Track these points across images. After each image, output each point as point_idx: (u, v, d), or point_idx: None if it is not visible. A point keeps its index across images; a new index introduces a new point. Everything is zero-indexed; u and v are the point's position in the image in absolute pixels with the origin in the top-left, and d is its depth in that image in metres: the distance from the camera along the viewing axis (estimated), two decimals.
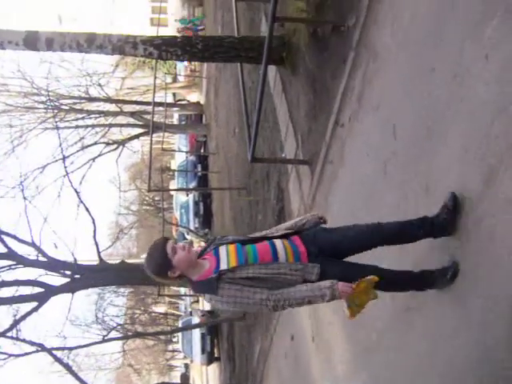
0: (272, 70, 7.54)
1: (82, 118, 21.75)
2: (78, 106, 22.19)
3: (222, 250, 2.91)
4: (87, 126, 21.50)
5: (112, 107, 23.13)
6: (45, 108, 20.23)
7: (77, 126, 21.14)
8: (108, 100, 22.94)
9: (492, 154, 2.71)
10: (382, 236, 3.03)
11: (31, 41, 6.28)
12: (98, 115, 22.24)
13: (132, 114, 21.45)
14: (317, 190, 5.90)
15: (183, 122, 25.07)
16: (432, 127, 3.39)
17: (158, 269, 2.81)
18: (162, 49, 6.33)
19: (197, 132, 21.53)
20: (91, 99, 22.57)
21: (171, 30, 30.04)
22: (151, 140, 14.28)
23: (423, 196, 3.49)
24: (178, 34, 25.27)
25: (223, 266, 2.80)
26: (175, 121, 28.59)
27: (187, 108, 23.55)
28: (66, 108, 21.19)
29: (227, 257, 2.85)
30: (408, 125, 3.77)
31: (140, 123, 21.34)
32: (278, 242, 2.95)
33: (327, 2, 5.02)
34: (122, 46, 6.39)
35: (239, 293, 2.73)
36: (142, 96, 27.26)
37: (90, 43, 6.38)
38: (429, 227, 3.00)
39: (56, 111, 20.19)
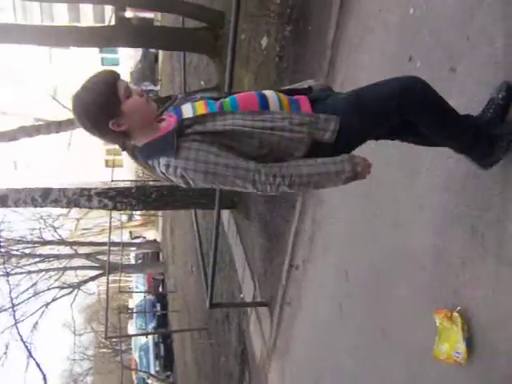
0: (226, 211, 7.78)
1: (35, 263, 21.32)
2: (31, 250, 21.85)
3: (187, 106, 1.97)
4: (41, 271, 21.02)
5: (66, 250, 22.87)
6: None
7: (29, 272, 20.62)
8: (62, 242, 22.74)
9: (437, 299, 2.82)
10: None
11: None
12: (51, 259, 21.88)
13: (87, 256, 21.24)
14: (277, 333, 5.84)
15: (140, 261, 24.86)
16: (382, 271, 3.52)
17: (98, 108, 1.78)
18: (116, 200, 6.50)
19: (154, 271, 21.30)
20: (45, 243, 22.29)
21: (126, 170, 30.85)
22: (107, 282, 14.00)
23: (379, 339, 3.51)
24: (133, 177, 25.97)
25: (188, 116, 1.90)
26: (132, 259, 28.32)
27: (143, 246, 23.56)
28: (18, 253, 20.79)
29: (194, 110, 1.93)
30: (359, 268, 3.90)
31: (96, 265, 21.06)
32: (268, 91, 2.01)
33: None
34: (77, 199, 6.53)
35: (213, 157, 1.78)
36: (97, 236, 27.19)
37: (44, 198, 6.49)
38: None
39: (6, 258, 19.76)
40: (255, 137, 1.83)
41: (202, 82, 9.44)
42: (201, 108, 1.92)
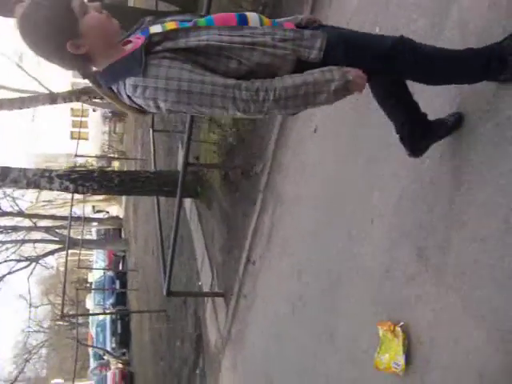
0: (189, 199, 7.81)
1: None
2: None
3: (155, 26, 1.75)
4: None
5: (26, 222, 22.48)
6: None
7: None
8: (21, 214, 22.31)
9: (382, 311, 2.95)
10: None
11: None
12: (9, 231, 21.47)
13: (47, 230, 20.92)
14: (232, 323, 5.95)
15: (102, 237, 24.64)
16: (333, 277, 3.64)
17: (51, 27, 1.54)
18: (78, 183, 6.43)
19: (115, 248, 21.17)
20: (3, 214, 21.85)
21: (92, 143, 30.36)
22: (66, 258, 13.85)
23: (327, 342, 3.64)
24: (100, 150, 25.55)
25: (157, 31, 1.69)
26: (93, 234, 28.04)
27: (106, 222, 23.34)
28: None
29: (163, 29, 1.72)
30: (312, 271, 4.01)
31: (55, 239, 20.78)
32: (250, 13, 1.82)
33: (237, 149, 5.42)
34: (38, 180, 6.44)
35: (187, 73, 1.57)
36: (59, 209, 26.76)
37: (3, 177, 6.38)
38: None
39: None
40: (233, 53, 1.63)
41: None
42: (171, 26, 1.72)
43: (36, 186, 6.53)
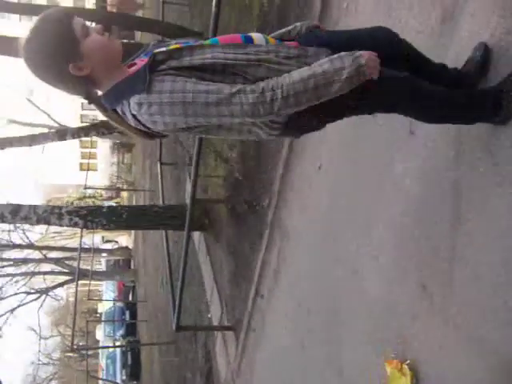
0: (196, 231, 7.86)
1: (2, 267, 21.03)
2: None
3: (160, 49, 1.71)
4: (7, 275, 20.73)
5: (35, 254, 22.59)
6: None
7: None
8: (31, 246, 22.44)
9: (389, 347, 2.96)
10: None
11: None
12: (19, 263, 21.60)
13: (56, 261, 21.01)
14: (242, 357, 5.94)
15: (111, 267, 24.68)
16: (340, 313, 3.66)
17: (54, 50, 1.55)
18: (87, 219, 6.51)
19: (125, 279, 21.19)
20: (13, 246, 21.99)
21: (100, 174, 30.66)
22: (76, 290, 13.94)
23: (336, 377, 3.64)
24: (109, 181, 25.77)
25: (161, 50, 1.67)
26: (103, 265, 28.09)
27: (115, 253, 23.40)
28: None
29: (168, 49, 1.70)
30: (320, 306, 4.03)
31: (65, 270, 20.85)
32: (255, 33, 1.81)
33: (243, 183, 5.50)
34: (48, 216, 6.53)
35: (191, 85, 1.54)
36: (68, 240, 26.90)
37: (14, 214, 6.47)
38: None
39: None
40: (239, 70, 1.61)
41: None
42: (175, 46, 1.70)
43: (46, 222, 6.61)
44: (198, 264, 8.30)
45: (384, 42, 1.95)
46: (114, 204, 29.20)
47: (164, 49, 1.67)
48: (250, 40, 1.74)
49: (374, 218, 3.21)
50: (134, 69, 1.68)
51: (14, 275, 20.98)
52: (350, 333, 3.49)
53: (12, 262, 21.28)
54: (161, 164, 8.08)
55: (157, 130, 1.67)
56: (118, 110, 1.65)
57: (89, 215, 6.52)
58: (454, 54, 2.50)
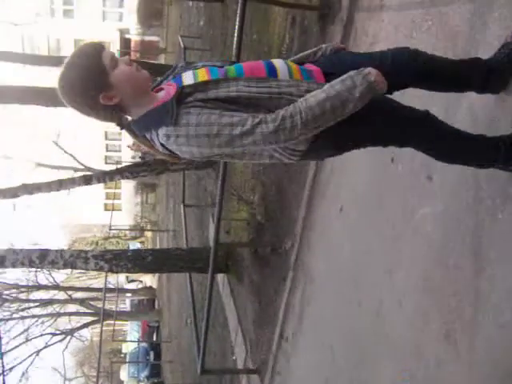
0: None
1: (28, 308, 21.17)
2: (25, 295, 21.70)
3: (187, 73, 1.84)
4: (33, 317, 20.85)
5: (61, 294, 22.74)
6: None
7: (22, 317, 20.46)
8: (57, 287, 22.61)
9: None
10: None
11: None
12: (45, 304, 21.73)
13: (82, 302, 21.11)
14: None
15: (136, 307, 24.68)
16: (366, 355, 3.63)
17: (85, 83, 1.68)
18: (112, 263, 6.61)
19: (149, 319, 21.16)
20: (40, 287, 22.19)
21: (125, 214, 31.01)
22: (101, 331, 13.96)
23: None
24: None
25: (188, 83, 1.77)
26: (127, 304, 28.12)
27: (139, 293, 23.45)
28: (11, 298, 20.63)
29: (195, 77, 1.81)
30: (345, 348, 4.00)
31: (90, 311, 20.93)
32: (277, 60, 1.90)
33: (265, 226, 5.56)
34: (74, 261, 6.65)
35: (216, 117, 1.64)
36: (93, 280, 27.07)
37: (42, 259, 6.61)
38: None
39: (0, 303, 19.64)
40: (262, 103, 1.70)
41: None
42: (202, 75, 1.80)
43: (72, 266, 6.73)
44: (222, 305, 8.30)
45: (404, 67, 2.01)
46: (139, 244, 29.54)
47: (191, 75, 1.80)
48: (273, 70, 1.82)
49: (397, 262, 3.22)
50: (162, 95, 1.79)
51: (39, 316, 21.09)
52: (374, 376, 3.47)
53: (38, 304, 21.41)
54: (184, 206, 8.19)
55: (184, 157, 1.79)
56: (147, 136, 1.77)
57: (114, 259, 6.63)
58: None
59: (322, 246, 4.58)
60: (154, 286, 24.10)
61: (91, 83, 1.68)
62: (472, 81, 2.21)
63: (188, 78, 1.81)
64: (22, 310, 21.15)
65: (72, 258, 6.62)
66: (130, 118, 1.81)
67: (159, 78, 1.93)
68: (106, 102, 1.71)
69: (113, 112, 1.77)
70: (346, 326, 4.00)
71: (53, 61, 8.22)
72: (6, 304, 20.19)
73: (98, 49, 1.71)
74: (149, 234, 26.40)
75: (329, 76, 1.87)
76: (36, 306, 21.51)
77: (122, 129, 1.84)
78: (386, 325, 3.32)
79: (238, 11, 4.29)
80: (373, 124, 1.86)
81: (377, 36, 3.67)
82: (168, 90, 1.79)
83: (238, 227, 6.23)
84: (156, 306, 22.45)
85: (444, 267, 2.74)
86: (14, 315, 20.28)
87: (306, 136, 1.73)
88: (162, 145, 1.73)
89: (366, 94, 1.70)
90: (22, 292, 21.64)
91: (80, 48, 1.73)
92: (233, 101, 1.68)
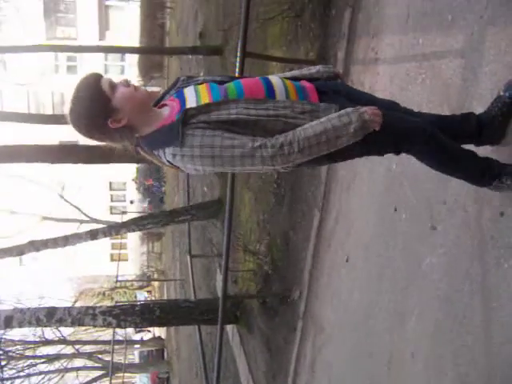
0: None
1: (35, 365, 20.78)
2: (31, 351, 21.34)
3: (189, 90, 1.98)
4: (40, 373, 20.45)
5: (68, 349, 22.36)
6: None
7: (28, 375, 20.06)
8: (64, 342, 22.27)
9: None
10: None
11: None
12: (52, 360, 21.34)
13: (89, 356, 20.77)
14: None
15: (144, 356, 24.24)
16: None
17: (91, 113, 1.80)
18: (120, 318, 6.55)
19: (159, 370, 20.78)
20: (46, 342, 21.85)
21: (131, 264, 30.89)
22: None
23: None
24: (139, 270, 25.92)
25: (191, 106, 1.89)
26: (136, 356, 27.64)
27: (148, 344, 23.06)
28: (17, 356, 20.26)
29: (197, 95, 1.94)
30: None
31: (98, 365, 20.56)
32: (275, 78, 2.03)
33: (272, 276, 5.54)
34: (82, 318, 6.58)
35: (219, 140, 1.78)
36: (100, 332, 26.68)
37: (49, 317, 6.55)
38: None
39: (6, 360, 19.28)
40: (260, 124, 1.84)
41: None
42: (203, 93, 1.93)
43: (80, 323, 6.67)
44: (233, 355, 8.16)
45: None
46: (146, 294, 29.26)
47: (193, 93, 1.93)
48: (271, 89, 1.94)
49: (406, 311, 3.21)
50: (166, 111, 1.94)
51: (46, 373, 20.69)
52: None
53: (45, 359, 21.05)
54: (191, 257, 8.18)
55: (189, 172, 1.94)
56: (155, 152, 1.91)
57: (122, 314, 6.57)
58: None
59: (330, 296, 4.55)
60: (163, 335, 23.71)
61: (98, 113, 1.80)
62: (465, 134, 2.33)
63: (190, 97, 1.93)
64: (29, 367, 20.77)
65: (80, 315, 6.56)
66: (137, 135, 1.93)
67: (161, 91, 2.08)
68: (115, 125, 1.84)
69: (125, 133, 1.89)
70: (358, 376, 3.94)
71: (56, 119, 8.41)
72: (12, 361, 19.84)
73: (95, 78, 1.83)
74: (156, 283, 26.20)
75: (321, 94, 2.02)
76: (42, 362, 21.13)
77: (136, 146, 1.95)
78: (398, 377, 3.28)
79: (237, 64, 4.41)
80: (367, 141, 1.92)
81: (373, 87, 3.76)
82: (172, 107, 1.94)
83: (246, 278, 6.21)
84: (165, 357, 22.03)
85: (454, 316, 2.72)
86: (21, 373, 19.90)
87: (301, 161, 1.87)
88: (168, 161, 1.88)
89: (359, 131, 1.83)
90: (29, 348, 21.31)
91: (81, 81, 1.83)
92: (233, 123, 1.82)
